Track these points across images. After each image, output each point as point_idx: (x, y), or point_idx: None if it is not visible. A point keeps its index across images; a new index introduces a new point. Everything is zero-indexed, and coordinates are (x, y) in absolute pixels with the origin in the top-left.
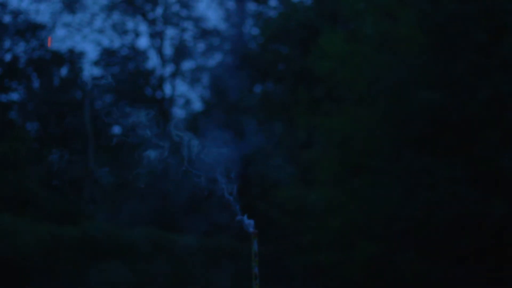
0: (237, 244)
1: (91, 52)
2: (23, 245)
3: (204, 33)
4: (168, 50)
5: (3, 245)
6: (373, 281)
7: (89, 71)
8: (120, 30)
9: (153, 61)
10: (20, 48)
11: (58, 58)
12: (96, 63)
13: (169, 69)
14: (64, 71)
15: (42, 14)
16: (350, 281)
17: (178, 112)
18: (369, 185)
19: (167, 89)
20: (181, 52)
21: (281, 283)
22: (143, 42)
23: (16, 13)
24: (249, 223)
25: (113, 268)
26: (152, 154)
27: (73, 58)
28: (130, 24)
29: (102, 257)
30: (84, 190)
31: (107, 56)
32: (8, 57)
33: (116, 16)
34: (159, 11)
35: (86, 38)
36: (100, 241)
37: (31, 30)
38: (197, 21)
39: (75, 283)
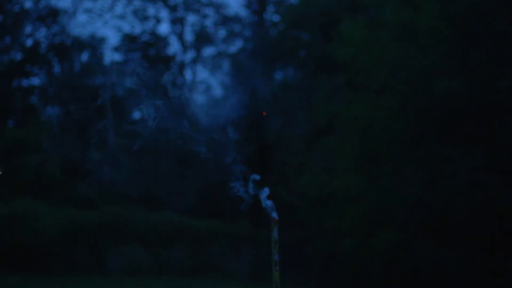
0: (255, 230)
1: (112, 37)
2: (44, 229)
3: (225, 20)
4: (189, 36)
5: (24, 229)
6: (393, 268)
7: (110, 56)
8: (141, 16)
9: (173, 47)
10: (41, 33)
11: (79, 43)
12: (116, 49)
13: (189, 55)
14: (85, 56)
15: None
16: (370, 268)
17: (199, 98)
18: (389, 173)
19: (188, 75)
20: (202, 38)
21: (301, 269)
22: (164, 28)
23: None
24: (271, 206)
25: (132, 252)
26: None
27: (94, 43)
28: (151, 10)
29: (121, 241)
30: (104, 175)
31: (128, 42)
32: (29, 42)
33: (137, 2)
34: None
35: (107, 24)
36: (119, 225)
37: (52, 15)
38: (218, 7)
39: (95, 267)
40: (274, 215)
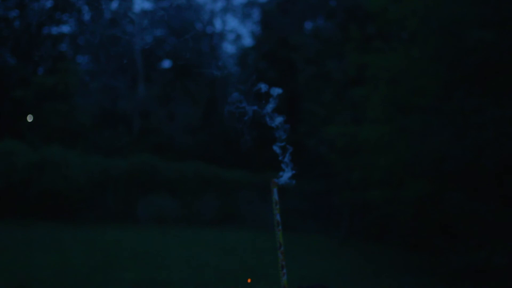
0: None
1: None
2: (73, 176)
3: None
4: None
5: (54, 176)
6: (421, 220)
7: (140, 4)
8: None
9: None
10: None
11: None
12: None
13: (220, 3)
14: (115, 4)
15: None
16: (398, 219)
17: (229, 47)
18: (418, 124)
19: (218, 24)
20: None
21: (329, 219)
22: None
23: None
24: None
25: (161, 201)
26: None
27: None
28: None
29: (150, 190)
30: (134, 123)
31: None
32: None
33: None
34: None
35: None
36: (148, 174)
37: None
38: None
39: (124, 215)
40: (275, 193)
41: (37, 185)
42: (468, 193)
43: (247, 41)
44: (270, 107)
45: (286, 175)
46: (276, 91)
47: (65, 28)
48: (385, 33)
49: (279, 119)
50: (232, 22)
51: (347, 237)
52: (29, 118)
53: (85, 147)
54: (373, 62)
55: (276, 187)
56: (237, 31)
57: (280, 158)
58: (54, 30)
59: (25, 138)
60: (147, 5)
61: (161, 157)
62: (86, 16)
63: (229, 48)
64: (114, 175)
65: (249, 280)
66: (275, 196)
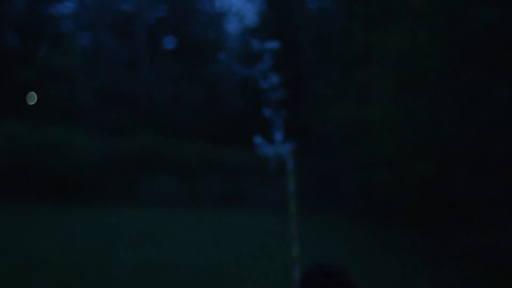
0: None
1: None
2: (76, 157)
3: None
4: None
5: (57, 157)
6: (427, 201)
7: None
8: None
9: None
10: None
11: None
12: None
13: None
14: None
15: None
16: (403, 199)
17: (234, 26)
18: (425, 104)
19: (223, 2)
20: None
21: (334, 199)
22: None
23: None
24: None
25: (165, 182)
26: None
27: None
28: None
29: (155, 170)
30: (138, 104)
31: None
32: None
33: None
34: None
35: None
36: (153, 155)
37: None
38: None
39: (128, 196)
40: (289, 163)
41: (40, 167)
42: (475, 173)
43: (252, 20)
44: (264, 66)
45: (278, 142)
46: (271, 45)
47: (68, 7)
48: (391, 12)
49: (274, 79)
50: (237, 2)
51: (353, 217)
52: (32, 99)
53: (88, 128)
54: (379, 42)
55: (292, 157)
56: (242, 9)
57: (271, 123)
58: (57, 8)
59: (28, 119)
60: None
61: (165, 138)
62: None
63: (234, 27)
64: (118, 156)
65: None
66: (290, 166)
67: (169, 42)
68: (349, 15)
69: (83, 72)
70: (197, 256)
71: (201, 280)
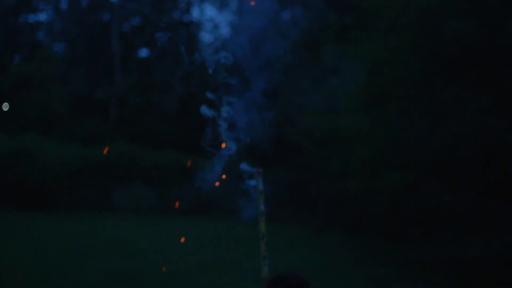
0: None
1: None
2: (49, 165)
3: None
4: None
5: (30, 164)
6: (398, 210)
7: None
8: None
9: None
10: None
11: None
12: None
13: None
14: None
15: None
16: (374, 209)
17: (206, 37)
18: (396, 114)
19: (195, 13)
20: None
21: (306, 209)
22: None
23: None
24: (251, 171)
25: (137, 190)
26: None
27: None
28: None
29: (127, 178)
30: (111, 112)
31: None
32: None
33: None
34: None
35: None
36: (125, 163)
37: None
38: None
39: (100, 204)
40: (259, 183)
41: (13, 174)
42: (445, 183)
43: (225, 30)
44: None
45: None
46: (224, 59)
47: (42, 16)
48: (364, 22)
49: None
50: (210, 11)
51: (324, 227)
52: (5, 107)
53: (61, 136)
54: (351, 52)
55: (261, 177)
56: (214, 20)
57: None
58: (31, 18)
59: (1, 127)
60: None
61: (138, 145)
62: (63, 4)
63: (206, 37)
64: (90, 163)
65: (182, 240)
66: (260, 185)
67: (143, 51)
68: (321, 25)
69: (57, 80)
70: (169, 264)
71: None
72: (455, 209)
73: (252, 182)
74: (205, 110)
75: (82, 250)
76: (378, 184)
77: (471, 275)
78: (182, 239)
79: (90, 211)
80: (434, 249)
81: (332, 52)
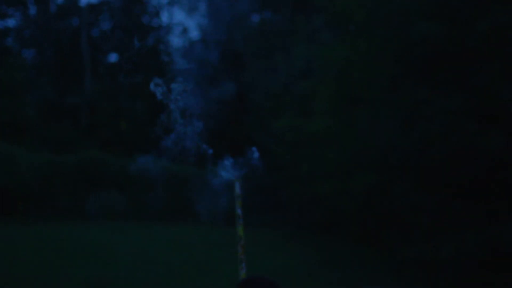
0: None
1: None
2: (20, 172)
3: None
4: None
5: (1, 171)
6: (369, 212)
7: None
8: None
9: None
10: None
11: None
12: None
13: None
14: None
15: None
16: (346, 211)
17: (175, 41)
18: (366, 116)
19: (164, 17)
20: None
21: (278, 213)
22: None
23: None
24: (228, 169)
25: (109, 197)
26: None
27: None
28: None
29: (99, 185)
30: (82, 118)
31: None
32: None
33: None
34: None
35: None
36: (97, 170)
37: None
38: None
39: (73, 211)
40: (237, 187)
41: None
42: (415, 185)
43: (194, 34)
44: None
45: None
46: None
47: (11, 22)
48: (333, 25)
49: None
50: (179, 15)
51: (295, 230)
52: None
53: (32, 142)
54: (321, 55)
55: (239, 182)
56: (184, 24)
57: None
58: (0, 24)
59: None
60: None
61: (109, 152)
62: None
63: (176, 41)
64: (62, 170)
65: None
66: (237, 190)
67: (112, 56)
68: (291, 28)
69: (27, 86)
70: (142, 271)
71: None
72: (426, 210)
73: (224, 173)
74: (155, 88)
75: (56, 258)
76: (349, 186)
77: (444, 276)
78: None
79: (63, 218)
80: (406, 250)
81: (301, 55)
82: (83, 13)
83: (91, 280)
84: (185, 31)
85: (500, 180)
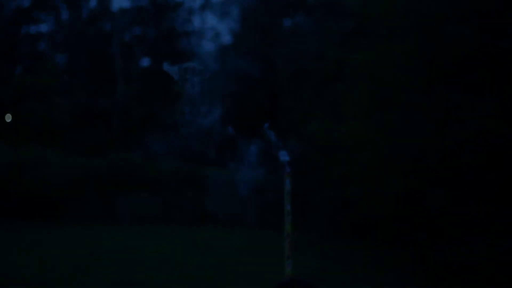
0: (264, 177)
1: None
2: (52, 176)
3: None
4: None
5: (33, 176)
6: (401, 217)
7: (118, 3)
8: None
9: None
10: None
11: None
12: None
13: (198, 1)
14: (93, 2)
15: None
16: (378, 216)
17: (207, 45)
18: (398, 120)
19: (196, 22)
20: None
21: (309, 217)
22: None
23: None
24: (282, 153)
25: (140, 200)
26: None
27: None
28: None
29: (130, 188)
30: (113, 122)
31: None
32: None
33: None
34: None
35: None
36: (128, 173)
37: None
38: None
39: (104, 214)
40: (287, 183)
41: (17, 185)
42: (449, 189)
43: (226, 38)
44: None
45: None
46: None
47: (43, 27)
48: (365, 29)
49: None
50: (211, 20)
51: (327, 234)
52: (8, 118)
53: (64, 146)
54: (352, 59)
55: (289, 178)
56: (216, 28)
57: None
58: (33, 29)
59: (4, 138)
60: (126, 3)
61: (141, 155)
62: (64, 15)
63: (208, 46)
64: (93, 174)
65: None
66: (288, 186)
67: (144, 60)
68: (323, 32)
69: (59, 91)
70: (173, 274)
71: None
72: (459, 214)
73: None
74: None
75: (86, 261)
76: (381, 190)
77: (477, 279)
78: None
79: (94, 221)
80: (439, 254)
81: (333, 59)
82: (115, 18)
83: (122, 282)
84: (217, 35)
85: None
